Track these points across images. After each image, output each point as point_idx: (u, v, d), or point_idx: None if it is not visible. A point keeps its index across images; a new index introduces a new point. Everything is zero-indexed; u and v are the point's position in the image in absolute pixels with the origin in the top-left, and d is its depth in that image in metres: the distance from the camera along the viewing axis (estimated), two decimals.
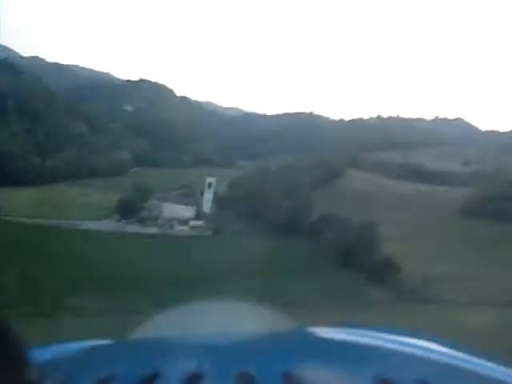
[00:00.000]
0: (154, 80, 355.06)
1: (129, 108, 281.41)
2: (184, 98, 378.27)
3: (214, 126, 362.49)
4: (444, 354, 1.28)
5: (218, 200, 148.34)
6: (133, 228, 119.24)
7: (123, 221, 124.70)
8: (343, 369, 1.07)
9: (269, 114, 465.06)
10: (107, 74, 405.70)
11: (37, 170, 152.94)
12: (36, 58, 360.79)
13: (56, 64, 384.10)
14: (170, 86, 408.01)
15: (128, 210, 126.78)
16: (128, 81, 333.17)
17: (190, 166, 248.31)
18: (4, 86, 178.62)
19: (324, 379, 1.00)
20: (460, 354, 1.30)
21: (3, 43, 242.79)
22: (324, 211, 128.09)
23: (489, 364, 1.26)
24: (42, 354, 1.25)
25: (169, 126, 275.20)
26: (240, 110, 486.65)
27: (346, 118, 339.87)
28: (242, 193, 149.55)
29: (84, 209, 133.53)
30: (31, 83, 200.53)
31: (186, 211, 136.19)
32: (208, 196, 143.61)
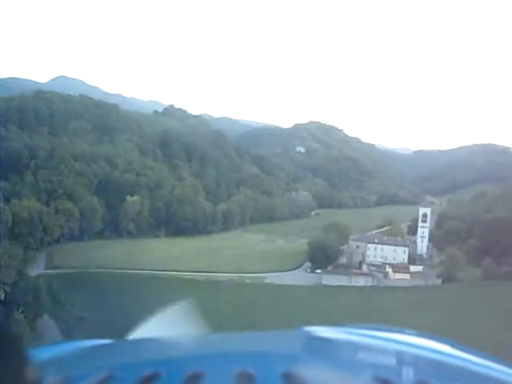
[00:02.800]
0: (323, 121, 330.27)
1: (301, 149, 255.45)
2: (356, 139, 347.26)
3: (390, 164, 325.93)
4: (444, 354, 1.24)
5: (433, 237, 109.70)
6: (332, 279, 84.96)
7: (318, 270, 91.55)
8: (343, 369, 1.04)
9: (443, 148, 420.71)
10: (273, 124, 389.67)
11: (208, 215, 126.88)
12: (204, 115, 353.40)
13: (224, 118, 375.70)
14: (339, 126, 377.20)
15: (322, 256, 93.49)
16: (296, 124, 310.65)
17: (374, 204, 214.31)
18: (170, 131, 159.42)
19: (324, 379, 0.97)
20: (460, 354, 1.26)
21: (171, 103, 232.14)
22: None
23: (489, 364, 1.22)
24: (41, 354, 1.20)
25: (346, 166, 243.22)
26: (409, 149, 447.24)
27: None
28: (465, 226, 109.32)
29: (267, 258, 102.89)
30: (199, 127, 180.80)
31: (396, 253, 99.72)
32: (423, 232, 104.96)
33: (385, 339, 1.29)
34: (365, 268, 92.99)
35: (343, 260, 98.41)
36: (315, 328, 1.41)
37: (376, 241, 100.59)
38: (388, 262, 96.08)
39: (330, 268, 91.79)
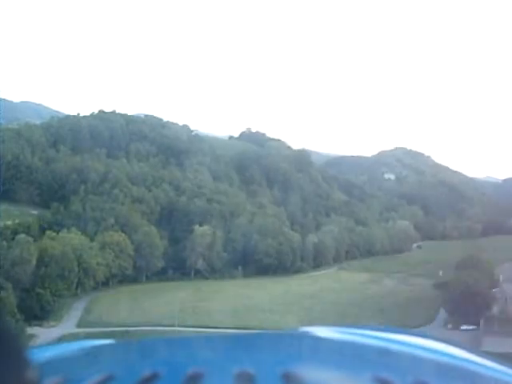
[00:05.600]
0: (408, 147, 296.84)
1: (391, 176, 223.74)
2: (444, 166, 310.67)
3: (481, 193, 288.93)
4: (444, 354, 1.20)
5: None
6: (497, 343, 53.81)
7: (464, 327, 60.65)
8: (343, 369, 1.01)
9: None
10: (352, 154, 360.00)
11: (296, 249, 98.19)
12: (279, 140, 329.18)
13: (303, 150, 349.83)
14: (426, 152, 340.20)
15: (466, 304, 62.64)
16: (382, 151, 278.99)
17: (480, 235, 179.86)
18: (248, 153, 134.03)
19: (324, 379, 0.95)
20: (460, 354, 1.22)
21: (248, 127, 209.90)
22: None
23: (489, 364, 1.18)
24: (41, 354, 1.16)
25: (442, 193, 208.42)
26: (494, 178, 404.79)
27: None
28: None
29: (380, 307, 72.68)
30: (280, 150, 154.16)
31: None
32: None
33: (385, 339, 1.25)
34: None
35: (493, 310, 66.43)
36: (315, 328, 1.38)
37: None
38: None
39: (482, 322, 60.08)
